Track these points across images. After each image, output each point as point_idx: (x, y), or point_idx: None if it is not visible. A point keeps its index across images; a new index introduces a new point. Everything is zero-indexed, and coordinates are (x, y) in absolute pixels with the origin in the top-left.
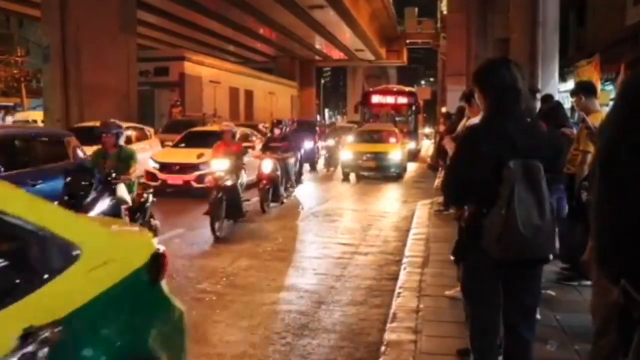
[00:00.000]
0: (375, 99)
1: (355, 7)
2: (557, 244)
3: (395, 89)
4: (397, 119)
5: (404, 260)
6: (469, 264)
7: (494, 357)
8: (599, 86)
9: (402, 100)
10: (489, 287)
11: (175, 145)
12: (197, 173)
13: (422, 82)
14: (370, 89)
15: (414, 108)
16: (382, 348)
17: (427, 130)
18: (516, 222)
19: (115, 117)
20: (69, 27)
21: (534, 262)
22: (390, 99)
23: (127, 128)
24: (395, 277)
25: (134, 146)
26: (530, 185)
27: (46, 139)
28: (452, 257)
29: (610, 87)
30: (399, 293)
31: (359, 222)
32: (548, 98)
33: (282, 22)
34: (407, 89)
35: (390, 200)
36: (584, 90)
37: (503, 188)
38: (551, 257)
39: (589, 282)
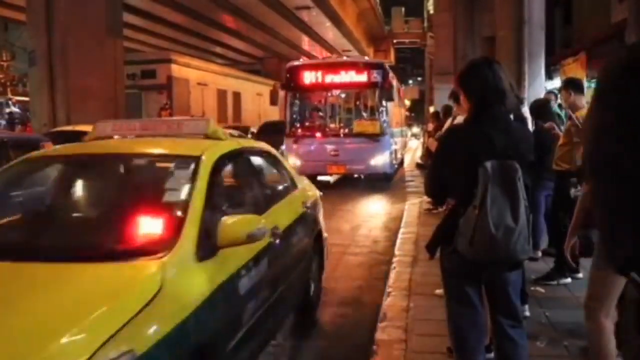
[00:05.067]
0: (310, 77)
1: (341, 8)
2: (547, 241)
3: (347, 60)
4: (363, 114)
5: (394, 259)
6: (446, 265)
7: (476, 357)
8: (584, 83)
9: (361, 78)
10: (467, 288)
11: None
12: None
13: (410, 81)
14: (301, 60)
15: (382, 92)
16: (373, 347)
17: (415, 129)
18: (487, 223)
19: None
20: (55, 31)
21: (505, 266)
22: (339, 77)
23: None
24: (384, 277)
25: None
26: (505, 187)
27: (21, 144)
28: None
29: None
30: (388, 292)
31: None
32: (542, 98)
33: (269, 23)
34: (369, 60)
35: None
36: (574, 86)
37: (477, 188)
38: (539, 254)
39: (568, 280)
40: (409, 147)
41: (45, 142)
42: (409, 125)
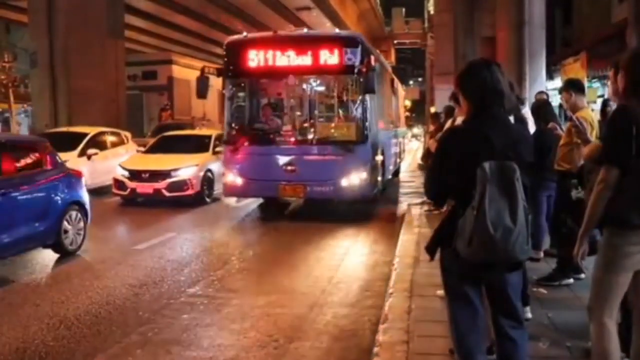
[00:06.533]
0: (258, 58)
1: (342, 8)
2: (549, 241)
3: (308, 34)
4: (339, 111)
5: (395, 260)
6: (446, 265)
7: (477, 358)
8: (585, 83)
9: (328, 59)
10: (467, 289)
11: (147, 151)
12: (168, 181)
13: (411, 82)
14: (245, 34)
15: (360, 79)
16: (375, 349)
17: (416, 130)
18: (486, 223)
19: (104, 122)
20: (57, 32)
21: (505, 266)
22: (297, 58)
23: (104, 133)
24: (386, 278)
25: (110, 151)
26: (504, 187)
27: (19, 145)
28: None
29: (597, 85)
30: (390, 294)
31: None
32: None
33: (270, 24)
34: (340, 32)
35: None
36: (574, 87)
37: (476, 189)
38: (542, 254)
39: (570, 281)
40: (409, 148)
41: (43, 142)
42: (409, 126)
